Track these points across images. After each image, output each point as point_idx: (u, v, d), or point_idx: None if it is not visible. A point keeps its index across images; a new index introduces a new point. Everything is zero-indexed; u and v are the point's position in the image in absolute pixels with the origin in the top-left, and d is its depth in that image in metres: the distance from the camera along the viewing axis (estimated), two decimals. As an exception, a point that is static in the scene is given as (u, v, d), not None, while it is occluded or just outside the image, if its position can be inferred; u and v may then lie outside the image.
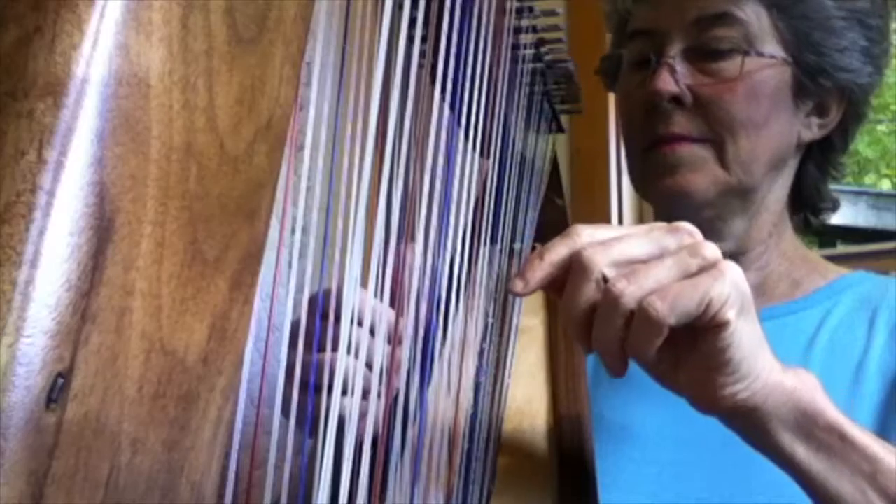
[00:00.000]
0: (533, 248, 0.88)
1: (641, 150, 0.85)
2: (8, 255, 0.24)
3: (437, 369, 0.58)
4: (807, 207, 0.91)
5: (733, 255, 0.86)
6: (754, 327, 0.53)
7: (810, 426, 0.55)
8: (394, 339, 0.52)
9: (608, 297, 0.51)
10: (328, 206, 0.42)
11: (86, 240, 0.25)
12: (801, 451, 0.55)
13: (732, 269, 0.52)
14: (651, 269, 0.51)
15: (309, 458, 0.41)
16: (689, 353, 0.53)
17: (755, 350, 0.53)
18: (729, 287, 0.51)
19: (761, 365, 0.53)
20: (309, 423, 0.44)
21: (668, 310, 0.50)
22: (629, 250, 0.52)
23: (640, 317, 0.50)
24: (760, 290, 0.86)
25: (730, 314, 0.51)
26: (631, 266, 0.52)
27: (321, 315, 0.53)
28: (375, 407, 0.47)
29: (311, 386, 0.48)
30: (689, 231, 0.54)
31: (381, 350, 0.53)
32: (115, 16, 0.26)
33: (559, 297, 0.54)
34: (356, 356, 0.47)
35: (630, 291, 0.50)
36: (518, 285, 0.53)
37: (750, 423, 0.55)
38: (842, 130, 0.87)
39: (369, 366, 0.53)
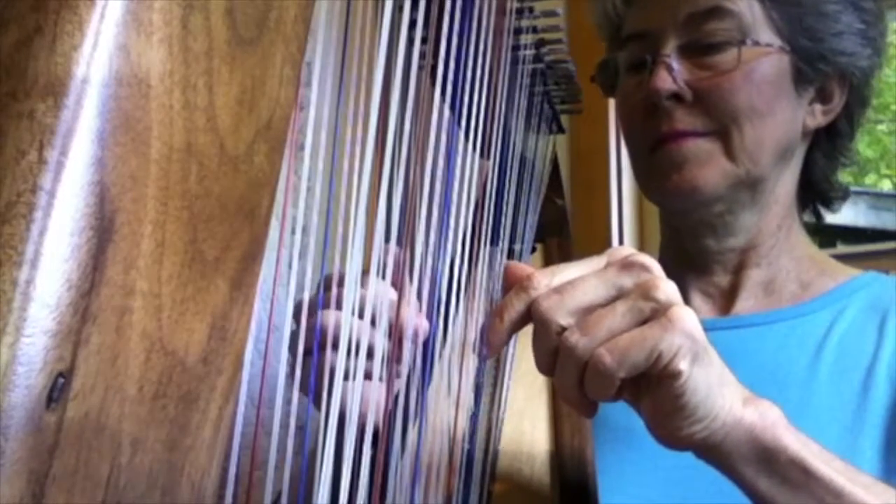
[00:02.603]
0: (533, 249, 0.88)
1: (646, 151, 0.84)
2: (8, 255, 0.24)
3: (438, 370, 0.58)
4: (817, 197, 0.91)
5: (744, 251, 0.86)
6: (711, 369, 0.53)
7: (772, 462, 0.54)
8: (396, 317, 0.52)
9: (562, 350, 0.52)
10: (328, 207, 0.42)
11: (86, 240, 0.25)
12: (764, 485, 0.55)
13: (683, 317, 0.51)
14: (603, 318, 0.51)
15: (309, 459, 0.41)
16: (646, 395, 0.53)
17: (713, 391, 0.53)
18: (679, 338, 0.50)
19: (720, 404, 0.53)
20: (313, 389, 0.44)
21: (616, 364, 0.50)
22: (583, 297, 0.52)
23: (590, 369, 0.51)
24: (770, 289, 0.86)
25: (681, 365, 0.51)
26: (587, 312, 0.52)
27: (324, 287, 0.54)
28: (378, 388, 0.47)
29: (315, 346, 0.48)
30: (643, 265, 0.53)
31: (383, 329, 0.53)
32: (116, 16, 0.26)
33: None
34: (360, 317, 0.47)
35: (583, 344, 0.51)
36: (485, 352, 0.55)
37: (711, 458, 0.55)
38: (847, 116, 0.87)
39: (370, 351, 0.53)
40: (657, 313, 0.51)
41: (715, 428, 0.53)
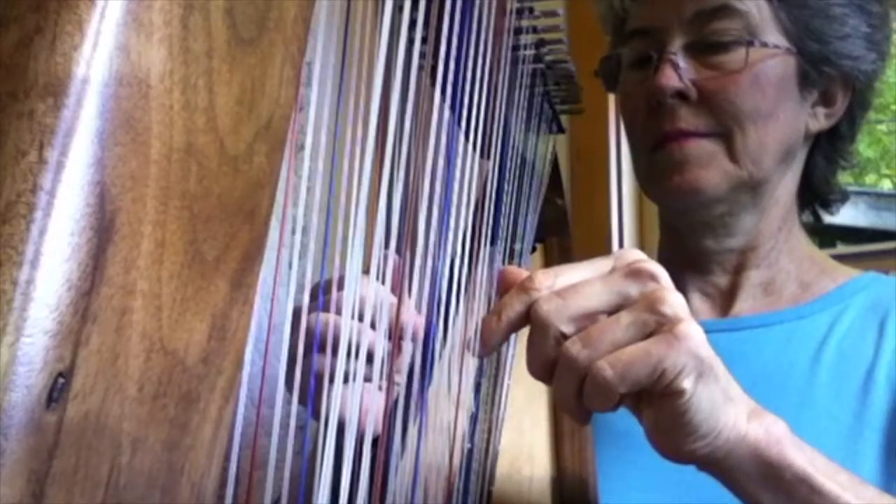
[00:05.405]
0: (533, 249, 0.88)
1: (647, 149, 0.84)
2: (8, 255, 0.24)
3: (438, 370, 0.58)
4: (817, 200, 0.90)
5: (743, 252, 0.86)
6: (716, 386, 0.52)
7: (776, 479, 0.53)
8: (396, 319, 0.51)
9: (562, 361, 0.50)
10: (328, 207, 0.42)
11: (86, 240, 0.25)
12: (769, 501, 0.54)
13: (690, 334, 0.50)
14: (606, 329, 0.50)
15: (309, 459, 0.41)
16: (648, 408, 0.52)
17: (717, 407, 0.52)
18: (683, 356, 0.49)
19: (723, 421, 0.52)
20: (312, 399, 0.44)
21: (617, 378, 0.49)
22: (586, 303, 0.51)
23: (590, 381, 0.50)
24: (770, 290, 0.86)
25: (684, 384, 0.49)
26: (589, 319, 0.51)
27: (323, 290, 0.54)
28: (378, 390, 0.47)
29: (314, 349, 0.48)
30: (651, 274, 0.52)
31: (383, 336, 0.52)
32: (116, 16, 0.26)
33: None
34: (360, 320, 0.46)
35: (584, 356, 0.50)
36: (480, 351, 0.54)
37: (714, 473, 0.55)
38: (849, 119, 0.86)
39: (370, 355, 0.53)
40: (662, 328, 0.50)
41: (718, 444, 0.52)
